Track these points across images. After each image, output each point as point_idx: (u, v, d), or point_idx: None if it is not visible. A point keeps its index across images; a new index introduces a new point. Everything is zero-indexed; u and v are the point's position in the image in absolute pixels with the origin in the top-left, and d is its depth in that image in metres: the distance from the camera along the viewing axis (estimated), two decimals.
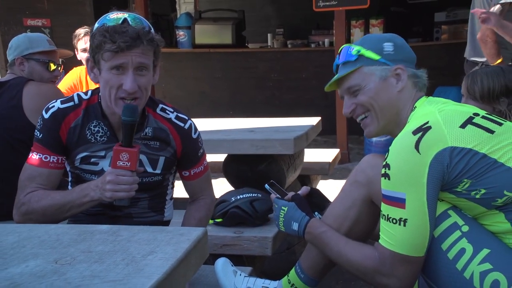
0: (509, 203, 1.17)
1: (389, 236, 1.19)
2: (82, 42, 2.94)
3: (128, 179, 1.33)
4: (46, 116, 1.47)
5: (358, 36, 5.50)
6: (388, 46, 1.32)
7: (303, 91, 4.93)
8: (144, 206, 1.55)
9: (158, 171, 1.51)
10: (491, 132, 1.20)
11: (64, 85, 3.04)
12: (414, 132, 1.19)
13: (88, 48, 3.24)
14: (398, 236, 1.17)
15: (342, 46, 1.39)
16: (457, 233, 1.19)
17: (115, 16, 1.39)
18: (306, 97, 4.98)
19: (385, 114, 1.33)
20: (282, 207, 1.42)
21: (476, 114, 1.24)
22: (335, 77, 1.37)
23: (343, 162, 4.22)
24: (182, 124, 1.52)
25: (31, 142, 2.14)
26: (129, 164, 1.33)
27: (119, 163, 1.32)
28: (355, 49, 1.33)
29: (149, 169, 1.51)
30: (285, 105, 4.80)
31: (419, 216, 1.16)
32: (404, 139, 1.20)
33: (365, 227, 1.37)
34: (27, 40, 2.29)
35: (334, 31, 4.38)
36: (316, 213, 1.45)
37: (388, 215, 1.19)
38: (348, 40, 5.46)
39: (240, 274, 1.46)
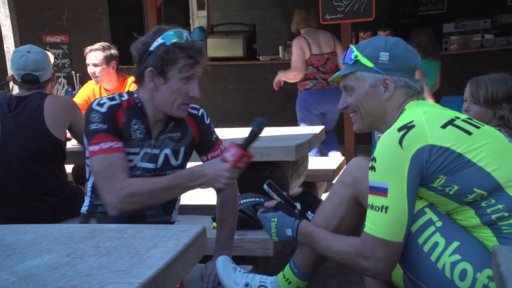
0: (478, 199, 1.26)
1: (372, 223, 1.28)
2: (87, 58, 3.09)
3: (237, 175, 1.52)
4: (103, 109, 1.54)
5: None
6: (383, 56, 1.40)
7: None
8: (159, 206, 1.66)
9: (179, 161, 1.66)
10: (469, 133, 1.29)
11: (79, 97, 3.19)
12: (399, 129, 1.29)
13: (89, 63, 3.39)
14: (379, 222, 1.27)
15: (350, 45, 1.50)
16: (432, 228, 1.28)
17: (175, 30, 1.53)
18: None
19: (370, 117, 1.44)
20: (272, 219, 1.50)
21: (457, 117, 1.33)
22: (336, 74, 1.50)
23: None
24: (196, 112, 1.70)
25: (51, 151, 2.28)
26: (244, 165, 1.52)
27: (239, 164, 1.50)
28: (354, 53, 1.43)
29: (173, 162, 1.66)
30: (295, 115, 4.88)
31: (399, 204, 1.25)
32: (389, 135, 1.30)
33: (352, 224, 1.45)
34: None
35: (341, 43, 4.46)
36: (308, 212, 1.53)
37: (372, 203, 1.28)
38: None
39: (240, 271, 1.54)
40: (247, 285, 1.51)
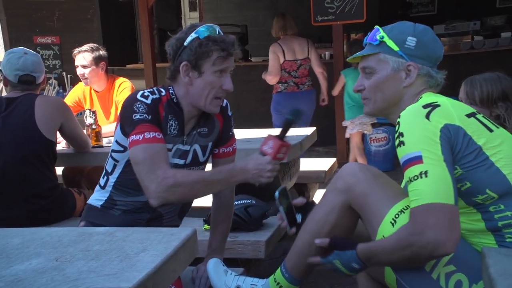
0: (487, 202, 1.23)
1: (415, 194, 1.18)
2: (76, 60, 3.06)
3: (278, 167, 1.52)
4: (148, 101, 1.53)
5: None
6: (410, 41, 1.35)
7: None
8: (176, 209, 1.68)
9: (205, 157, 1.68)
10: (490, 130, 1.27)
11: (69, 99, 3.17)
12: (424, 107, 1.25)
13: (78, 65, 3.37)
14: (422, 188, 1.17)
15: (375, 26, 1.43)
16: None
17: (207, 25, 1.54)
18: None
19: (385, 102, 1.40)
20: (334, 261, 1.36)
21: (478, 113, 1.32)
22: (357, 53, 1.44)
23: None
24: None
25: (43, 152, 2.26)
26: (283, 156, 1.50)
27: (278, 155, 1.48)
28: (380, 34, 1.38)
29: (200, 158, 1.67)
30: None
31: (438, 166, 1.17)
32: (414, 110, 1.26)
33: (344, 231, 1.41)
34: None
35: (333, 45, 4.47)
36: (297, 214, 1.52)
37: (409, 176, 1.19)
38: (347, 53, 5.56)
39: (231, 273, 1.53)
40: (238, 287, 1.50)
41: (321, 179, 2.77)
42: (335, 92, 4.24)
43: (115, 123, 1.77)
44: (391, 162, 4.44)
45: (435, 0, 6.65)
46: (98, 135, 2.63)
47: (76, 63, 3.05)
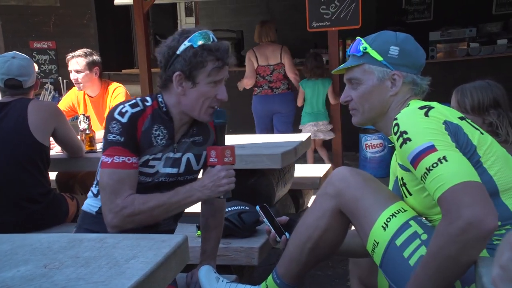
0: None
1: (438, 180, 1.12)
2: (69, 65, 3.05)
3: (234, 172, 1.51)
4: (124, 120, 1.49)
5: None
6: (393, 50, 1.37)
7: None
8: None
9: (200, 166, 1.66)
10: (481, 133, 1.29)
11: (63, 104, 3.15)
12: (420, 108, 1.26)
13: (71, 70, 3.35)
14: (445, 172, 1.12)
15: (357, 37, 1.45)
16: (417, 242, 1.25)
17: (200, 32, 1.49)
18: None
19: (373, 111, 1.42)
20: None
21: (467, 118, 1.33)
22: (341, 66, 1.46)
23: None
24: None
25: (36, 157, 2.25)
26: (232, 158, 1.51)
27: (225, 159, 1.49)
28: (363, 45, 1.40)
29: (195, 167, 1.65)
30: None
31: (454, 150, 1.16)
32: (411, 110, 1.26)
33: (334, 236, 1.41)
34: None
35: (328, 50, 4.48)
36: (286, 233, 1.52)
37: (427, 167, 1.15)
38: (343, 59, 5.57)
39: (223, 281, 1.52)
40: None
41: (316, 185, 2.76)
42: (299, 103, 4.51)
43: None
44: (387, 168, 4.40)
45: (431, 6, 6.68)
46: (91, 140, 2.62)
47: (69, 68, 3.04)
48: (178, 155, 1.61)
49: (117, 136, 1.49)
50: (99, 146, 2.63)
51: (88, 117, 2.70)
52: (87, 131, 2.63)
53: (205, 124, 1.65)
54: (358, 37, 1.45)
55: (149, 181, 1.56)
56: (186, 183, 1.56)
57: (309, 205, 3.03)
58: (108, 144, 1.50)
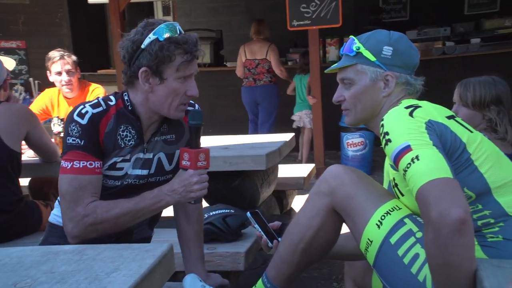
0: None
1: (413, 179, 1.13)
2: (58, 65, 2.91)
3: (207, 177, 1.44)
4: (84, 121, 1.40)
5: (333, 54, 5.61)
6: (387, 50, 1.36)
7: (282, 108, 5.01)
8: (146, 221, 1.53)
9: (172, 166, 1.55)
10: (470, 131, 1.28)
11: (36, 107, 3.02)
12: (406, 107, 1.25)
13: (62, 71, 3.18)
14: (417, 171, 1.12)
15: (350, 36, 1.42)
16: (412, 239, 1.23)
17: (166, 24, 1.39)
18: (284, 114, 5.05)
19: (365, 112, 1.40)
20: None
21: (457, 117, 1.32)
22: (334, 65, 1.43)
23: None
24: (191, 108, 1.56)
25: (6, 164, 2.11)
26: (206, 163, 1.44)
27: (199, 163, 1.42)
28: (356, 44, 1.38)
29: (166, 167, 1.55)
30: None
31: (428, 148, 1.15)
32: (397, 110, 1.26)
33: (328, 236, 1.38)
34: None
35: (309, 49, 4.47)
36: (279, 238, 1.47)
37: (403, 169, 1.16)
38: (324, 58, 5.57)
39: None
40: None
41: (300, 185, 2.72)
42: (289, 91, 5.09)
43: None
44: (369, 167, 4.44)
45: (407, 6, 6.75)
46: None
47: (57, 69, 2.88)
48: (149, 155, 1.51)
49: (77, 139, 1.39)
50: None
51: (63, 120, 2.58)
52: (62, 134, 2.51)
53: (178, 121, 1.54)
54: (351, 36, 1.42)
55: (118, 184, 1.46)
56: (159, 185, 1.46)
57: (293, 205, 2.99)
58: (67, 148, 1.40)
